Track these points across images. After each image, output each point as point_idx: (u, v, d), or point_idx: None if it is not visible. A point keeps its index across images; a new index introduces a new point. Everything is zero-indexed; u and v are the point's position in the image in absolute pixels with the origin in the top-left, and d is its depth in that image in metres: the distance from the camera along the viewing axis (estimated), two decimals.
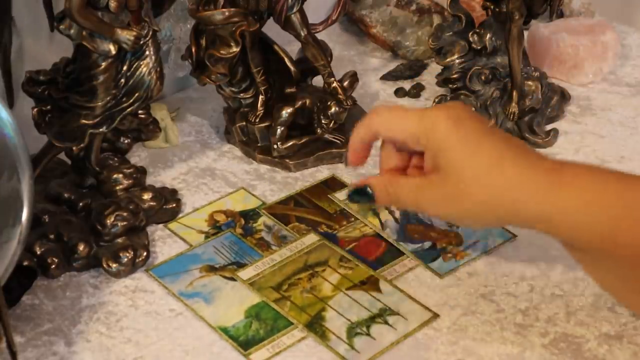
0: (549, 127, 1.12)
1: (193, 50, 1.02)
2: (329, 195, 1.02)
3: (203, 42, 1.01)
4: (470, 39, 1.11)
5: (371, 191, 0.78)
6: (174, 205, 0.98)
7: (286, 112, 1.06)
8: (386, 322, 0.86)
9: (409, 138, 0.76)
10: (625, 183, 0.74)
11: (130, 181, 0.97)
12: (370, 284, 0.90)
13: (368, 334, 0.85)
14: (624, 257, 0.72)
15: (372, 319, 0.86)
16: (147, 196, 0.96)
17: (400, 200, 0.78)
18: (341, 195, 1.01)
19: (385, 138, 0.80)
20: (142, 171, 1.00)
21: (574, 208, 0.73)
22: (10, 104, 0.97)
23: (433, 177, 0.75)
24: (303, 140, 1.07)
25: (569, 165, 0.76)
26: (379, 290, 0.89)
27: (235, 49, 1.00)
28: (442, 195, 0.75)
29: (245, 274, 0.91)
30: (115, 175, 0.97)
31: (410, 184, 0.77)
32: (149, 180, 1.02)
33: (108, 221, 0.92)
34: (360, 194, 0.79)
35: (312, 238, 0.95)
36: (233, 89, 1.06)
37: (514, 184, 0.74)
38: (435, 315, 0.86)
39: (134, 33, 0.86)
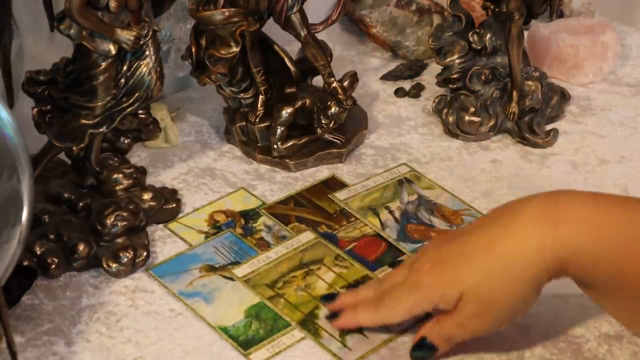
0: (549, 127, 1.12)
1: (193, 50, 1.02)
2: (329, 195, 1.02)
3: (203, 42, 1.01)
4: (470, 39, 1.11)
5: (430, 342, 0.81)
6: (174, 205, 0.98)
7: (286, 112, 1.06)
8: None
9: (422, 310, 0.81)
10: (629, 211, 0.74)
11: (130, 181, 0.97)
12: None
13: (361, 332, 0.85)
14: (633, 290, 0.72)
15: None
16: (147, 196, 0.96)
17: (454, 337, 0.81)
18: (341, 195, 1.01)
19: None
20: (142, 171, 1.00)
21: (579, 244, 0.73)
22: (10, 104, 0.97)
23: (461, 306, 0.78)
24: (303, 140, 1.07)
25: (563, 197, 0.76)
26: None
27: (235, 49, 1.00)
28: (479, 310, 0.78)
29: (241, 271, 0.91)
30: (115, 175, 0.97)
31: (452, 321, 0.79)
32: (149, 180, 1.02)
33: (108, 221, 0.92)
34: (422, 348, 0.81)
35: (308, 236, 0.95)
36: (233, 89, 1.06)
37: (517, 253, 0.75)
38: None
39: (134, 33, 0.86)
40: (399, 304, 0.81)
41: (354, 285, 0.90)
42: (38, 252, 0.89)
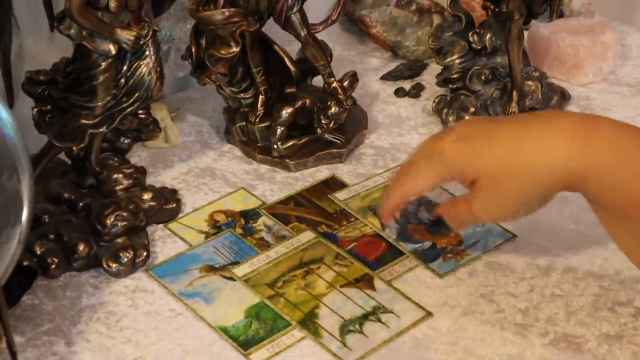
0: None
1: (193, 50, 1.02)
2: (329, 195, 1.02)
3: (203, 42, 1.01)
4: (470, 39, 1.11)
5: (445, 222, 0.84)
6: (174, 205, 0.98)
7: (286, 112, 1.06)
8: (379, 320, 0.86)
9: (441, 182, 0.82)
10: None
11: (130, 181, 0.97)
12: (364, 282, 0.90)
13: (361, 332, 0.85)
14: None
15: (365, 317, 0.86)
16: (147, 196, 0.96)
17: (463, 219, 0.82)
18: (341, 195, 1.01)
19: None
20: (142, 171, 1.00)
21: (604, 163, 0.73)
22: (10, 104, 0.97)
23: (474, 191, 0.79)
24: (303, 140, 1.07)
25: (601, 119, 0.77)
26: (373, 288, 0.89)
27: (235, 49, 1.00)
28: (488, 198, 0.78)
29: (241, 270, 0.91)
30: (115, 175, 0.97)
31: (462, 202, 0.81)
32: (149, 180, 1.02)
33: (108, 221, 0.92)
34: (439, 225, 0.85)
35: (308, 235, 0.95)
36: (233, 89, 1.06)
37: (541, 155, 0.75)
38: (429, 314, 0.86)
39: (134, 33, 0.86)
40: (420, 172, 0.81)
41: (353, 282, 0.90)
42: (38, 252, 0.89)
